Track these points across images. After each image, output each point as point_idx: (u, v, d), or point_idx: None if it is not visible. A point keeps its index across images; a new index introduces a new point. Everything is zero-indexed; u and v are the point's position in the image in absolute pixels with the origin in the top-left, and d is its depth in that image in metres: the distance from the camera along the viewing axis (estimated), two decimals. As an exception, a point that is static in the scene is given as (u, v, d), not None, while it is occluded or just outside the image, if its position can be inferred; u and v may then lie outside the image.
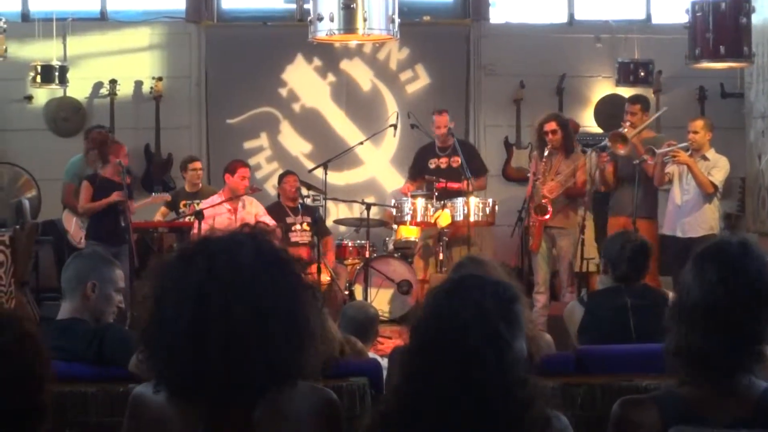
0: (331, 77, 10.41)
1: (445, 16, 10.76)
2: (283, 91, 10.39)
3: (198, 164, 9.16)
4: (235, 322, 1.90)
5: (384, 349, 6.60)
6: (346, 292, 8.55)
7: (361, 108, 10.37)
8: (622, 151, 7.59)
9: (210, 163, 10.11)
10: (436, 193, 8.30)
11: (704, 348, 2.16)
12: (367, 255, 8.75)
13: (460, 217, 8.17)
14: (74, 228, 8.54)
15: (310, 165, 9.65)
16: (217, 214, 8.21)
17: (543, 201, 7.66)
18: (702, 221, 7.48)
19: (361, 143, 9.52)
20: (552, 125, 7.79)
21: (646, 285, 4.71)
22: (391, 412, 2.05)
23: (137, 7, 10.61)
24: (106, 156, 8.01)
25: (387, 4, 6.19)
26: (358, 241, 9.24)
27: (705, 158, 7.53)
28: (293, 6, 10.33)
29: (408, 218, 8.37)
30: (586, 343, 4.29)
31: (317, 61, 10.36)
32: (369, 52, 10.34)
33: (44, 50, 9.78)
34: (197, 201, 8.70)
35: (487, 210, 8.26)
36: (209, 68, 10.39)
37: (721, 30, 7.28)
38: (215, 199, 8.45)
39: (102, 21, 10.49)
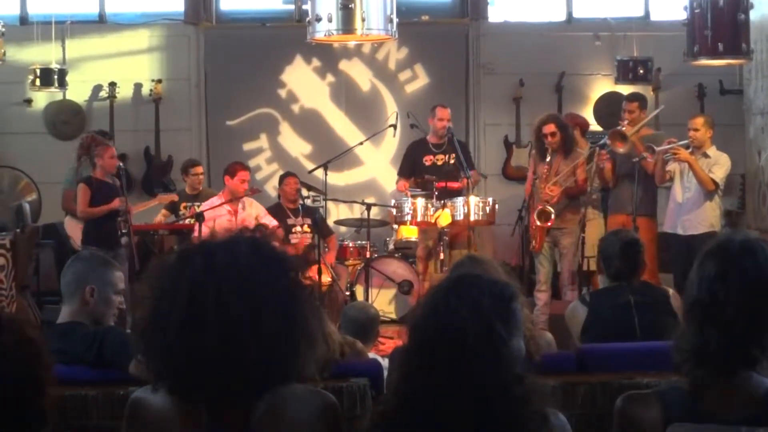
0: (330, 78, 10.40)
1: (443, 15, 10.75)
2: (283, 92, 10.39)
3: (200, 169, 9.15)
4: (230, 320, 1.90)
5: (385, 349, 6.60)
6: (347, 293, 8.54)
7: (361, 108, 10.36)
8: (621, 149, 7.58)
9: (210, 165, 10.09)
10: (436, 193, 8.29)
11: (704, 344, 2.15)
12: (368, 255, 8.75)
13: (460, 217, 8.15)
14: (78, 233, 8.51)
15: (310, 166, 9.65)
16: (218, 216, 8.21)
17: (546, 208, 7.60)
18: (703, 219, 7.48)
19: (361, 143, 9.51)
20: (551, 127, 7.73)
21: (646, 282, 4.71)
22: (390, 411, 2.05)
23: (136, 9, 10.60)
24: (92, 159, 8.01)
25: (385, 4, 6.16)
26: (359, 242, 9.23)
27: (706, 155, 7.53)
28: (292, 7, 10.32)
29: (408, 218, 8.36)
30: (590, 342, 4.29)
31: (316, 62, 10.35)
32: (368, 52, 10.34)
33: (43, 53, 9.77)
34: (197, 203, 8.71)
35: (487, 209, 8.24)
36: (208, 70, 10.38)
37: (720, 27, 7.26)
38: (215, 200, 8.45)
39: (100, 23, 10.48)
